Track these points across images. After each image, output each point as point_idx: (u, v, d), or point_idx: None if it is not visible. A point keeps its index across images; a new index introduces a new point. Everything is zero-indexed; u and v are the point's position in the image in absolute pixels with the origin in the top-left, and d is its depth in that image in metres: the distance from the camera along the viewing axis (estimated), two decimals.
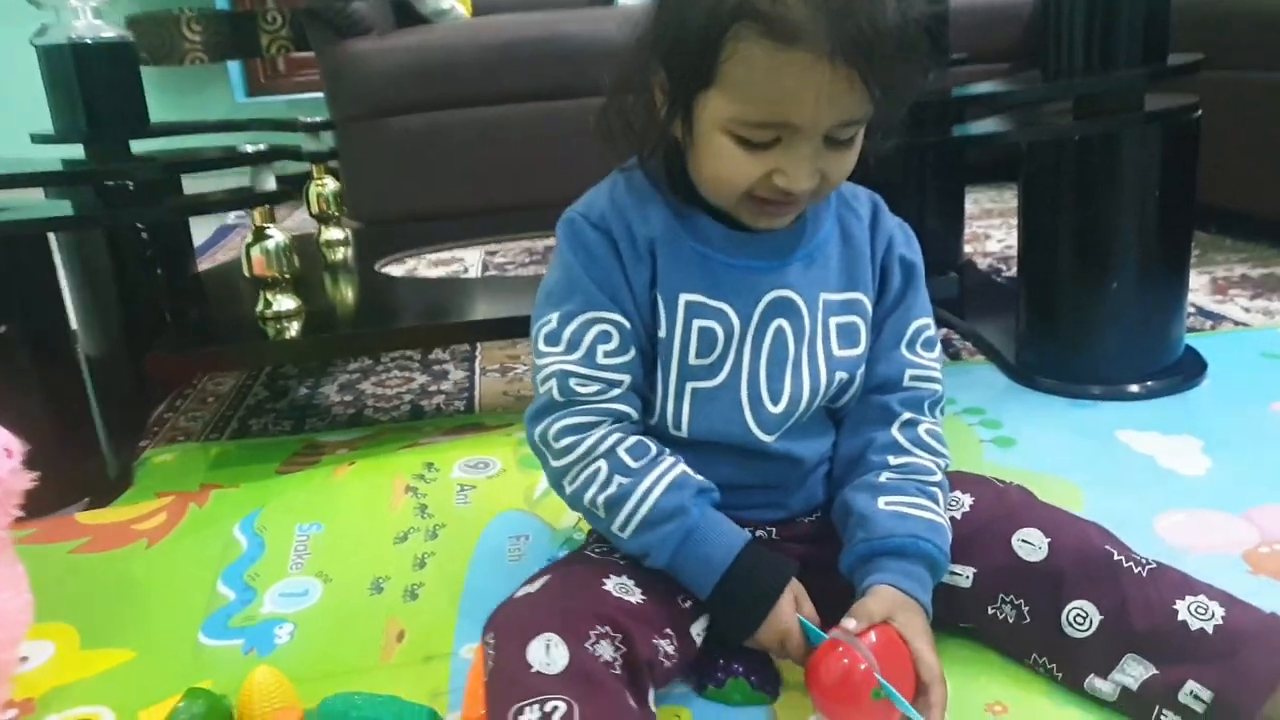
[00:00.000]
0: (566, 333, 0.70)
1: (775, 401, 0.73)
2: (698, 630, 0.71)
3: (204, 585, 0.90)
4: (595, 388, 0.70)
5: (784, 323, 0.72)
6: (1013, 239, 2.00)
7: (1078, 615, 0.69)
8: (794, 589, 0.69)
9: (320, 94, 3.14)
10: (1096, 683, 0.68)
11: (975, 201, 2.39)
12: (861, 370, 0.76)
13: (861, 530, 0.71)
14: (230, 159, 1.15)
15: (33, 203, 1.17)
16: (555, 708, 0.58)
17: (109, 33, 1.42)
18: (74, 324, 1.33)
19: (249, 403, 1.42)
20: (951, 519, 0.74)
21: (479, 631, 0.67)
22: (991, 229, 2.12)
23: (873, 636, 0.65)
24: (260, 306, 1.19)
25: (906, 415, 0.76)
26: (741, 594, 0.68)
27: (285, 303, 1.20)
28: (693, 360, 0.72)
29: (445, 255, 2.28)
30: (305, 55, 3.12)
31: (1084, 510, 0.93)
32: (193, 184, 1.54)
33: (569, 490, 0.71)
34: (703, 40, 0.62)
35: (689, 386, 0.72)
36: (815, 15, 0.58)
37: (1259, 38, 1.66)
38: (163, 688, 0.75)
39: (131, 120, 1.46)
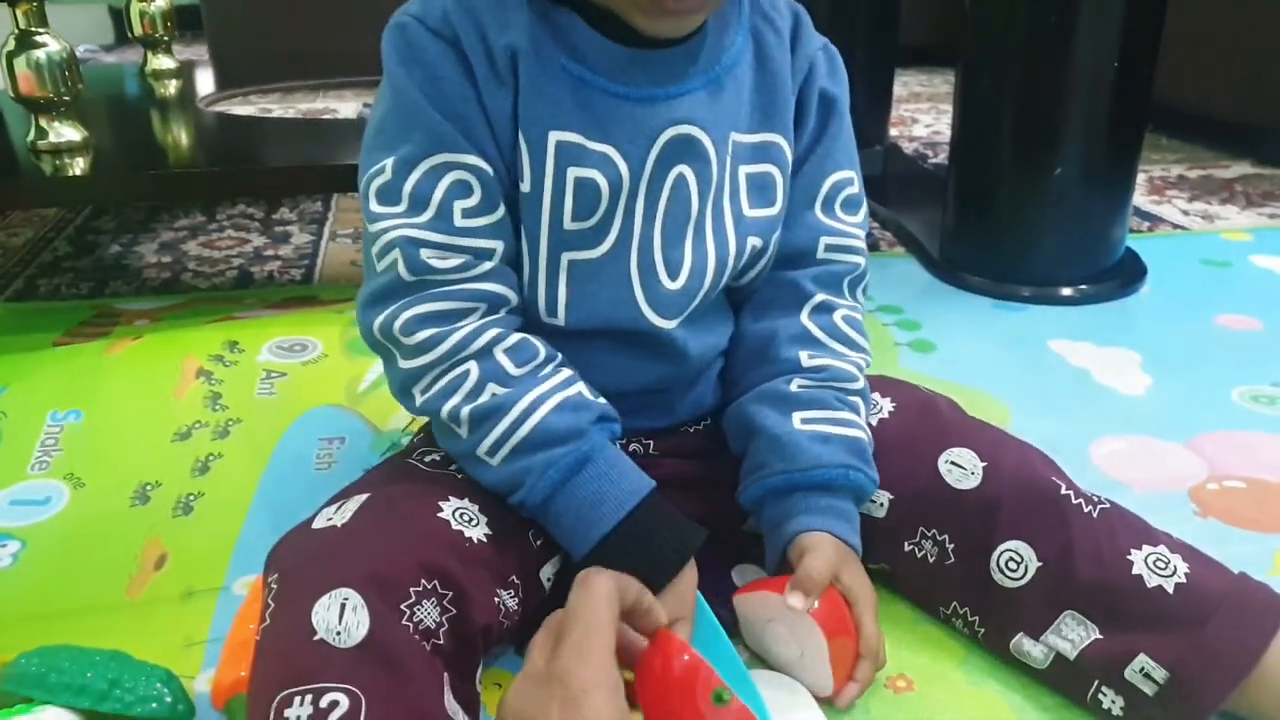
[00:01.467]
0: (408, 186, 0.51)
1: (674, 275, 0.55)
2: (548, 574, 0.55)
3: None
4: (456, 261, 0.51)
5: (686, 170, 0.54)
6: (941, 125, 1.85)
7: (1011, 559, 0.55)
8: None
9: None
10: (1025, 644, 0.54)
11: (904, 84, 2.22)
12: (776, 235, 0.59)
13: (777, 459, 0.56)
14: None
15: None
16: (334, 702, 0.42)
17: None
18: None
19: (44, 259, 1.18)
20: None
21: (262, 561, 0.50)
22: (919, 113, 1.97)
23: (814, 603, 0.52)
24: (32, 135, 0.95)
25: (820, 297, 0.60)
26: (635, 554, 0.51)
27: (66, 132, 0.96)
28: (569, 224, 0.53)
29: (318, 105, 2.02)
30: None
31: (1012, 432, 0.79)
32: None
33: (420, 399, 0.52)
34: None
35: (565, 258, 0.54)
36: None
37: None
38: None
39: None
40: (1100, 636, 0.52)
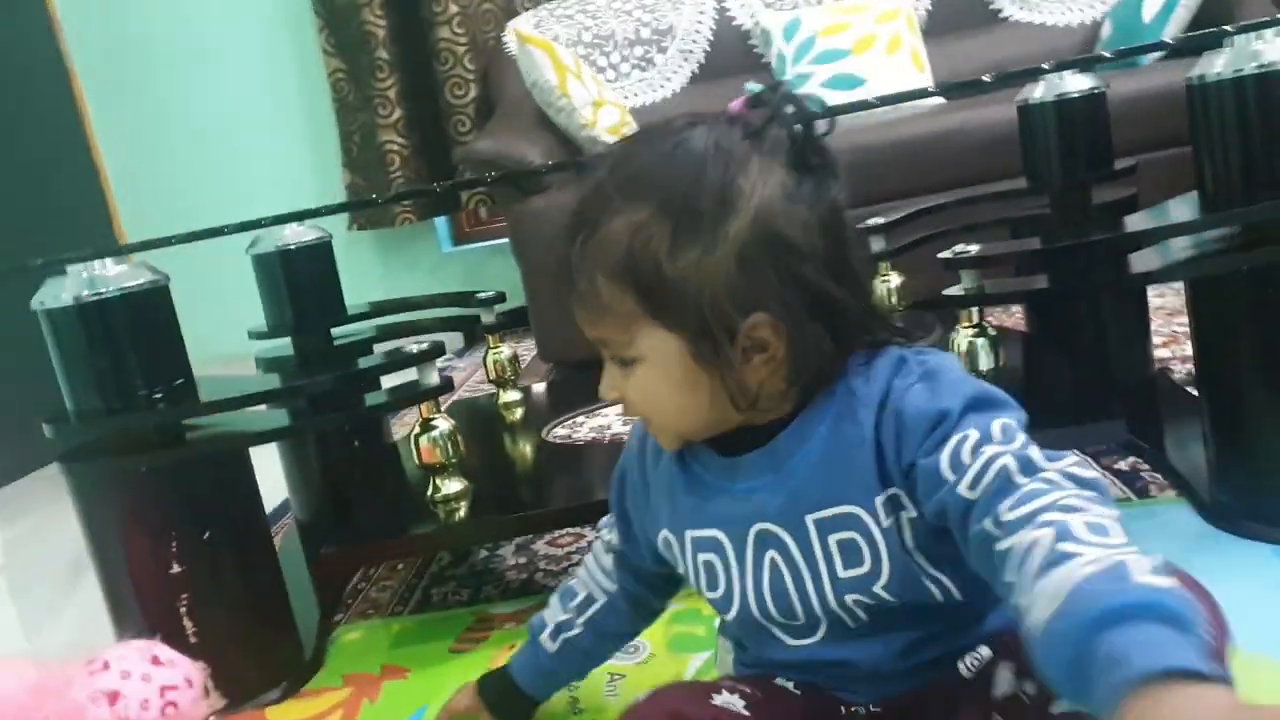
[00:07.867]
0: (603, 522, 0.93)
1: (791, 619, 0.74)
2: None
3: None
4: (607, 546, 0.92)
5: (775, 555, 0.73)
6: None
7: None
8: None
9: None
10: None
11: (1162, 294, 2.20)
12: (882, 584, 0.70)
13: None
14: (397, 363, 1.25)
15: (236, 417, 1.27)
16: None
17: (309, 235, 1.60)
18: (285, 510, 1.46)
19: (433, 570, 1.50)
20: None
21: None
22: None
23: None
24: (430, 491, 1.28)
25: (989, 524, 0.61)
26: None
27: (452, 485, 1.27)
28: (705, 594, 0.78)
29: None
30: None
31: None
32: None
33: None
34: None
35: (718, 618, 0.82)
36: None
37: None
38: None
39: (330, 311, 1.62)
40: None
